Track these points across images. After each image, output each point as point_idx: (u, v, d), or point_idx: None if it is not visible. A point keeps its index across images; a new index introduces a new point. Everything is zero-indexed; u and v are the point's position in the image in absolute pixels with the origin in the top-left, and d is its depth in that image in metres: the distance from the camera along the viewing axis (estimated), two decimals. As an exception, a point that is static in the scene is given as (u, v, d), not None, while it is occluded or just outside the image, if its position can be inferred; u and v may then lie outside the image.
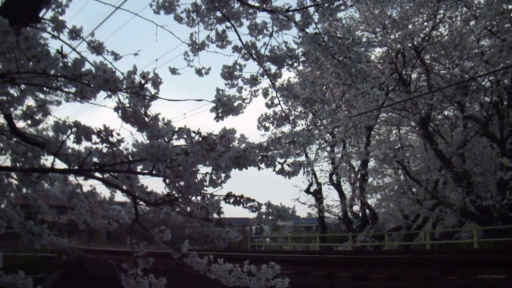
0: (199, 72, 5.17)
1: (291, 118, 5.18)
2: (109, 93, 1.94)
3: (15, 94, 2.88)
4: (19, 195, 3.67)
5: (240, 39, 4.58)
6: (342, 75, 4.57)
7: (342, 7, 3.99)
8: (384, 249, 22.14)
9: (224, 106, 2.10)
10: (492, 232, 17.40)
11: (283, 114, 5.12)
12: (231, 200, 2.56)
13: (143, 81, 1.92)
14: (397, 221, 25.96)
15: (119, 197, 3.47)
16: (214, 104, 2.12)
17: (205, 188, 2.39)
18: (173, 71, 5.23)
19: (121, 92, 2.02)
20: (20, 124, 3.75)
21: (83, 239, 39.43)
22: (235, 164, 2.16)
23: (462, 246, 22.09)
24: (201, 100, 2.21)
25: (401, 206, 24.11)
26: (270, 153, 2.34)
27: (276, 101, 5.21)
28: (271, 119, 5.19)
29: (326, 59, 4.38)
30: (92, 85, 1.78)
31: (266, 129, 5.33)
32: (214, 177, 2.35)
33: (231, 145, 2.23)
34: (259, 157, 2.30)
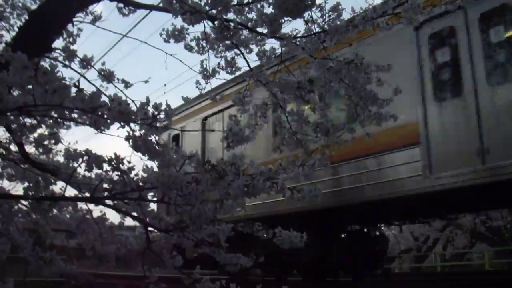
0: (213, 99, 5.20)
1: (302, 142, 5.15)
2: (122, 123, 1.97)
3: (28, 123, 2.91)
4: (28, 220, 3.67)
5: (249, 66, 4.62)
6: (354, 98, 4.59)
7: (350, 34, 4.01)
8: (394, 272, 21.88)
9: (235, 136, 2.13)
10: (503, 252, 17.21)
11: (295, 138, 5.10)
12: (242, 226, 2.57)
13: (156, 113, 1.95)
14: (407, 242, 25.68)
15: (129, 221, 3.47)
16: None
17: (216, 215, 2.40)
18: (186, 100, 5.25)
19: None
20: (30, 150, 3.78)
21: (93, 263, 39.17)
22: (244, 192, 2.17)
23: (474, 268, 21.81)
24: (214, 130, 2.24)
25: (411, 227, 23.88)
26: (279, 177, 2.33)
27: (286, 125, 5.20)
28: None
29: (335, 83, 4.39)
30: (106, 117, 1.82)
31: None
32: (225, 205, 2.36)
33: (240, 171, 2.24)
34: (269, 184, 2.29)
